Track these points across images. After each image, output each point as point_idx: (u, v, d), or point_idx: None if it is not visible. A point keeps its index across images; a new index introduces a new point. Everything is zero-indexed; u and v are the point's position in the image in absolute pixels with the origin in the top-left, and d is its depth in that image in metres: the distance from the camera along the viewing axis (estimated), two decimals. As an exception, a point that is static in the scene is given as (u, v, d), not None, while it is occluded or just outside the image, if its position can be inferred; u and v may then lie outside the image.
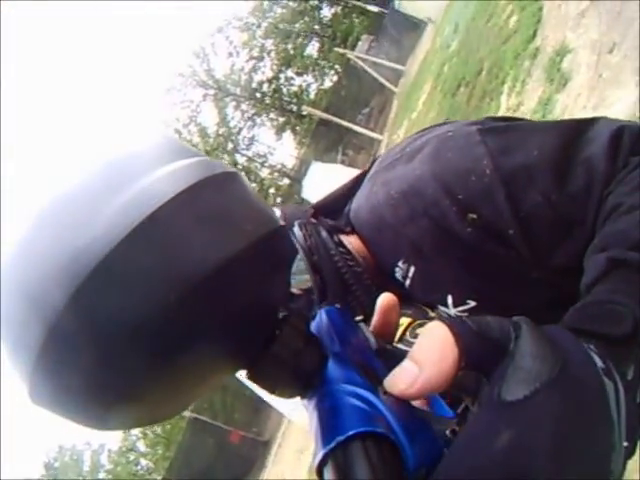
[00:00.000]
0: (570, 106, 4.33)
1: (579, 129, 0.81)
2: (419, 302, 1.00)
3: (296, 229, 1.00)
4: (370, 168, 1.08)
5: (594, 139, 0.78)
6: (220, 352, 0.42)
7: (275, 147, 26.73)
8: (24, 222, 0.40)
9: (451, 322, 0.41)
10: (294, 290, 0.96)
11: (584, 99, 4.16)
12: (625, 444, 0.38)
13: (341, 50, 21.14)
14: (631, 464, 0.42)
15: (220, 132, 24.83)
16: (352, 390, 0.41)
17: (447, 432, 0.41)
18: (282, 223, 0.46)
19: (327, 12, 26.45)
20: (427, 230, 0.89)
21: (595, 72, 4.12)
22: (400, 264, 0.97)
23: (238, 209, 0.43)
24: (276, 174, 25.84)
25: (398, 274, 0.99)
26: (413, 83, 14.86)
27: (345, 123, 17.77)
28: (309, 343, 0.46)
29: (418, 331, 0.55)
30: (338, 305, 0.57)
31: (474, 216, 0.83)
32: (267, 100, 25.75)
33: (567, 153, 0.78)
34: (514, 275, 0.87)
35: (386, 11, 20.04)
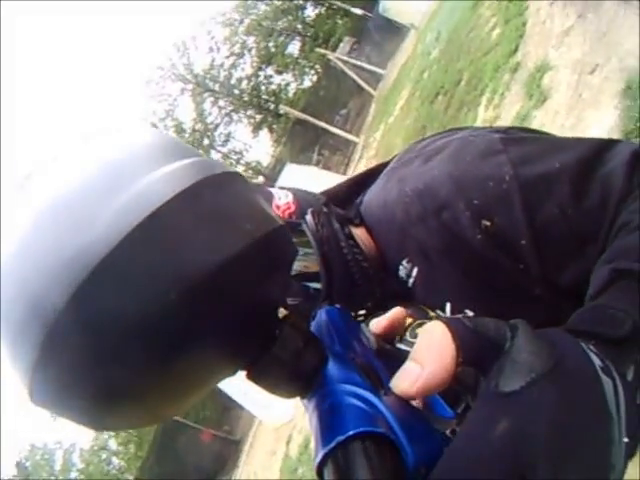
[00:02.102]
0: (547, 124, 4.32)
1: (601, 147, 0.80)
2: (420, 302, 0.98)
3: (309, 217, 0.99)
4: (388, 163, 1.06)
5: (614, 157, 0.77)
6: (220, 352, 0.42)
7: (251, 144, 26.83)
8: (24, 222, 0.40)
9: (448, 320, 0.42)
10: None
11: (562, 118, 4.16)
12: (625, 440, 0.38)
13: (322, 50, 21.19)
14: (632, 467, 0.42)
15: (197, 127, 24.86)
16: (352, 390, 0.41)
17: (447, 432, 0.41)
18: (282, 223, 0.46)
19: (311, 12, 26.49)
20: (436, 232, 0.88)
21: (575, 92, 4.11)
22: (404, 263, 0.96)
23: (238, 209, 0.43)
24: (251, 171, 25.81)
25: (402, 272, 0.98)
26: (392, 88, 14.92)
27: (322, 124, 17.78)
28: (309, 343, 0.46)
29: (418, 331, 0.52)
30: (338, 305, 0.57)
31: (487, 223, 0.82)
32: (245, 97, 25.77)
33: (587, 169, 0.77)
34: (515, 290, 0.85)
35: (370, 14, 20.10)
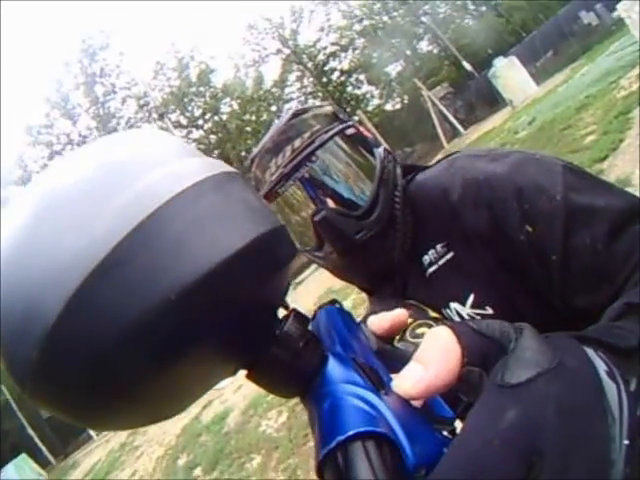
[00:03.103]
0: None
1: None
2: (432, 294, 1.02)
3: (380, 149, 1.03)
4: (442, 159, 1.11)
5: None
6: (220, 352, 0.42)
7: (310, 134, 26.58)
8: (23, 222, 0.39)
9: (452, 324, 0.42)
10: None
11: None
12: (626, 442, 0.39)
13: (419, 84, 21.21)
14: None
15: (273, 90, 24.80)
16: (352, 390, 0.41)
17: (447, 432, 0.41)
18: (282, 223, 0.46)
19: (424, 45, 26.58)
20: (485, 221, 0.93)
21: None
22: (439, 247, 1.00)
23: (238, 209, 0.42)
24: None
25: (428, 256, 1.01)
26: (465, 148, 14.91)
27: (386, 147, 17.77)
28: (309, 343, 0.45)
29: (419, 331, 0.55)
30: (338, 305, 0.57)
31: (530, 229, 0.87)
32: (330, 87, 25.80)
33: (627, 218, 0.83)
34: (538, 297, 0.91)
35: (477, 74, 20.21)
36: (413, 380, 0.40)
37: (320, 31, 25.08)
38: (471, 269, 0.97)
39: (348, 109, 25.58)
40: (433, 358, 0.40)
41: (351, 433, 0.35)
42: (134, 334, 0.36)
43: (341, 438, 0.35)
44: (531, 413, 0.35)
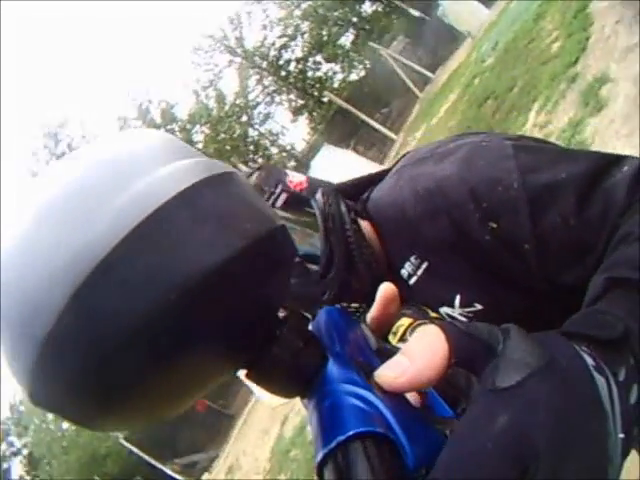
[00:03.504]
0: (601, 131, 4.33)
1: (607, 161, 0.82)
2: (421, 301, 1.00)
3: (318, 195, 1.02)
4: (394, 164, 1.09)
5: (619, 172, 0.80)
6: (220, 352, 0.42)
7: (288, 128, 26.76)
8: (24, 222, 0.40)
9: (441, 323, 0.43)
10: None
11: (617, 125, 4.16)
12: (621, 436, 0.39)
13: (375, 45, 21.08)
14: (632, 467, 0.43)
15: (237, 102, 24.78)
16: (352, 390, 0.41)
17: (447, 432, 0.41)
18: (282, 222, 0.46)
19: (368, 7, 26.37)
20: (446, 229, 0.91)
21: (634, 103, 4.09)
22: (412, 259, 0.99)
23: (238, 209, 0.43)
24: (284, 154, 25.81)
25: (406, 270, 1.00)
26: (439, 91, 14.88)
27: (363, 116, 17.75)
28: (309, 343, 0.46)
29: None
30: (338, 305, 0.57)
31: (494, 225, 0.85)
32: (291, 79, 25.74)
33: (592, 181, 0.80)
34: (523, 288, 0.90)
35: (427, 17, 20.03)
36: (397, 372, 0.40)
37: (264, 29, 25.00)
38: (449, 274, 0.97)
39: (315, 93, 25.59)
40: (419, 353, 0.40)
41: (351, 433, 0.36)
42: (134, 334, 0.36)
43: (341, 438, 0.36)
44: (523, 417, 0.36)
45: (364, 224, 1.04)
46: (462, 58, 14.89)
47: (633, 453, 0.47)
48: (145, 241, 0.37)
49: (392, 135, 16.99)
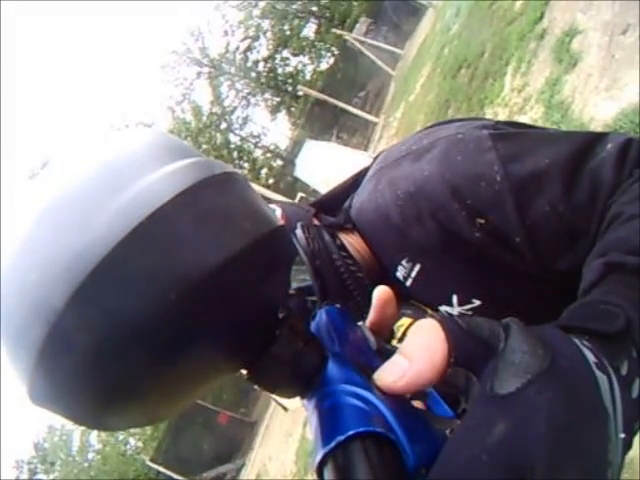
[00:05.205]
0: (580, 87, 4.27)
1: (589, 141, 0.81)
2: (420, 301, 1.00)
3: (299, 231, 0.99)
4: (370, 165, 1.07)
5: (603, 151, 0.79)
6: (220, 352, 0.42)
7: (269, 128, 26.90)
8: (24, 222, 0.40)
9: (441, 319, 0.42)
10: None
11: (595, 80, 4.10)
12: (622, 436, 0.39)
13: (338, 32, 21.02)
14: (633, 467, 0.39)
15: (214, 111, 24.80)
16: (352, 390, 0.41)
17: (447, 432, 0.41)
18: (282, 223, 0.46)
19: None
20: (434, 231, 0.90)
21: (607, 53, 4.06)
22: (404, 263, 0.98)
23: (238, 209, 0.43)
24: (269, 155, 25.80)
25: (400, 273, 0.99)
26: (411, 66, 14.81)
27: (341, 104, 17.69)
28: (309, 343, 0.46)
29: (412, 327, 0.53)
30: (338, 305, 0.57)
31: (482, 221, 0.84)
32: (262, 79, 25.72)
33: (576, 164, 0.79)
34: (519, 277, 0.88)
35: (386, -5, 19.90)
36: (396, 375, 0.40)
37: (225, 35, 24.96)
38: (443, 274, 0.96)
39: (289, 88, 25.56)
40: (418, 353, 0.40)
41: (351, 433, 0.36)
42: (134, 333, 0.36)
43: (341, 438, 0.36)
44: (521, 427, 0.35)
45: (352, 239, 1.02)
46: (427, 29, 14.84)
47: (634, 450, 0.45)
48: (145, 241, 0.37)
49: (373, 118, 16.90)
